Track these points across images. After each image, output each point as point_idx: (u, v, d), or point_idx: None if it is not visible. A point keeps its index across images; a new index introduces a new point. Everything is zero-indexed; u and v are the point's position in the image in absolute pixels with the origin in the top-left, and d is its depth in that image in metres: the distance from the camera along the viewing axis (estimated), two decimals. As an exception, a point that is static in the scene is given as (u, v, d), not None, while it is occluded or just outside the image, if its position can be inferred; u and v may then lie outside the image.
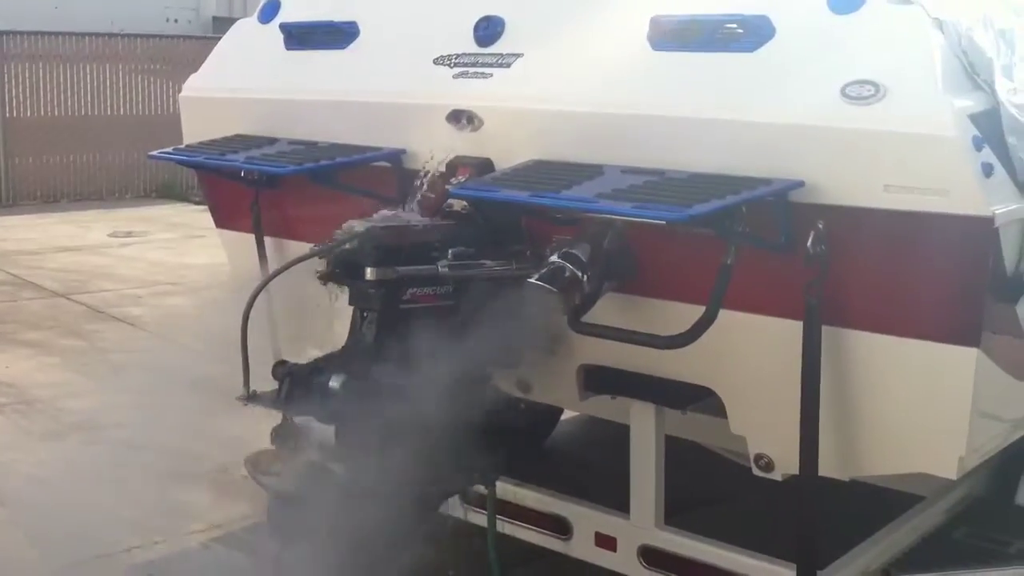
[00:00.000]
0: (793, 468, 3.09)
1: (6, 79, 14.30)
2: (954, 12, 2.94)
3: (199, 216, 10.98)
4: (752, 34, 3.03)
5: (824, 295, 2.88)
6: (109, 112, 15.09)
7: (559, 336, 3.35)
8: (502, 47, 3.48)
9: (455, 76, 3.52)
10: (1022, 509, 4.02)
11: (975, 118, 2.81)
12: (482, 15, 3.54)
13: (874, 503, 3.77)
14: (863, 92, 2.80)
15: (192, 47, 14.80)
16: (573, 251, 3.10)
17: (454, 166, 3.47)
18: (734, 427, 3.33)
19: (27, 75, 14.47)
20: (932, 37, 2.86)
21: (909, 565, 3.59)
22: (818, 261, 2.85)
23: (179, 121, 4.36)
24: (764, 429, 3.27)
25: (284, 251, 4.03)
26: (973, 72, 2.92)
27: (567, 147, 3.24)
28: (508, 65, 3.43)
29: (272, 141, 3.88)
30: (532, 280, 3.07)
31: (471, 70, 3.50)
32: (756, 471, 3.33)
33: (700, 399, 3.45)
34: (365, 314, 3.31)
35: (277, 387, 3.29)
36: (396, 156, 3.63)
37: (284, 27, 4.05)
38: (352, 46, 3.88)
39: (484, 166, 3.40)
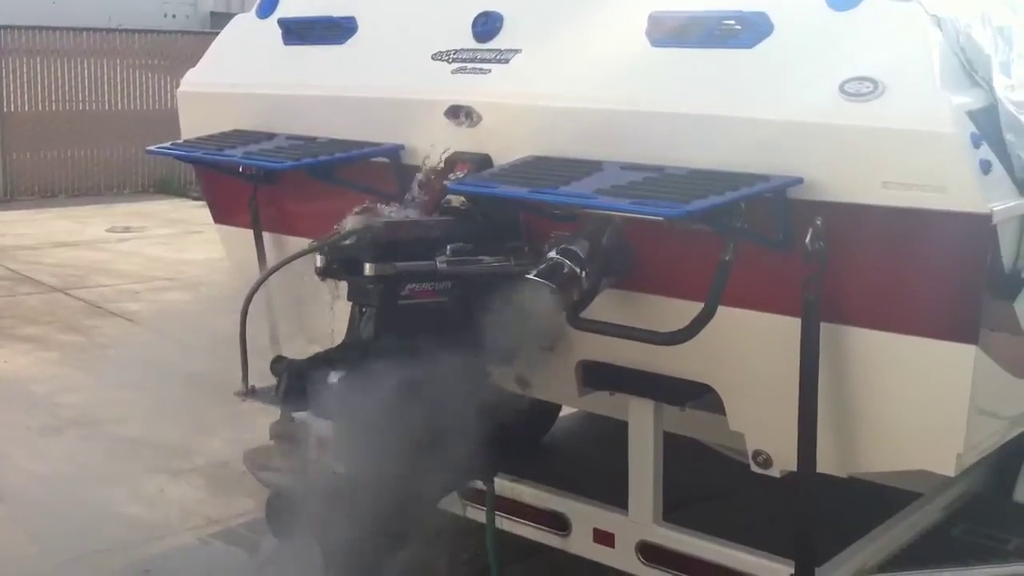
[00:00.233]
0: (791, 465, 3.09)
1: (3, 74, 14.29)
2: (952, 9, 2.93)
3: (197, 211, 10.96)
4: (751, 30, 3.03)
5: (822, 292, 2.88)
6: (107, 107, 15.08)
7: (558, 332, 3.35)
8: (501, 43, 3.48)
9: (453, 72, 3.52)
10: (1020, 506, 4.03)
11: (973, 115, 2.81)
12: (481, 11, 3.54)
13: (872, 500, 3.77)
14: (861, 89, 2.80)
15: (190, 42, 14.79)
16: (572, 247, 3.10)
17: (452, 162, 3.46)
18: (732, 424, 3.34)
19: (25, 70, 14.46)
20: (930, 34, 2.86)
21: (907, 562, 3.59)
22: (816, 258, 2.85)
23: (177, 116, 4.35)
24: (762, 426, 3.27)
25: (282, 247, 4.03)
26: (971, 69, 2.91)
27: (566, 143, 3.24)
28: (507, 61, 3.43)
29: (270, 136, 3.88)
30: (530, 276, 3.07)
31: (469, 66, 3.49)
32: (754, 468, 3.33)
33: (698, 395, 3.45)
34: (363, 310, 3.31)
35: (276, 383, 3.29)
36: (394, 152, 3.63)
37: (282, 22, 4.04)
38: (350, 41, 3.87)
39: (482, 162, 3.40)
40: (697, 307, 2.98)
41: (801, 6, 3.06)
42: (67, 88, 14.79)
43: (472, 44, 3.53)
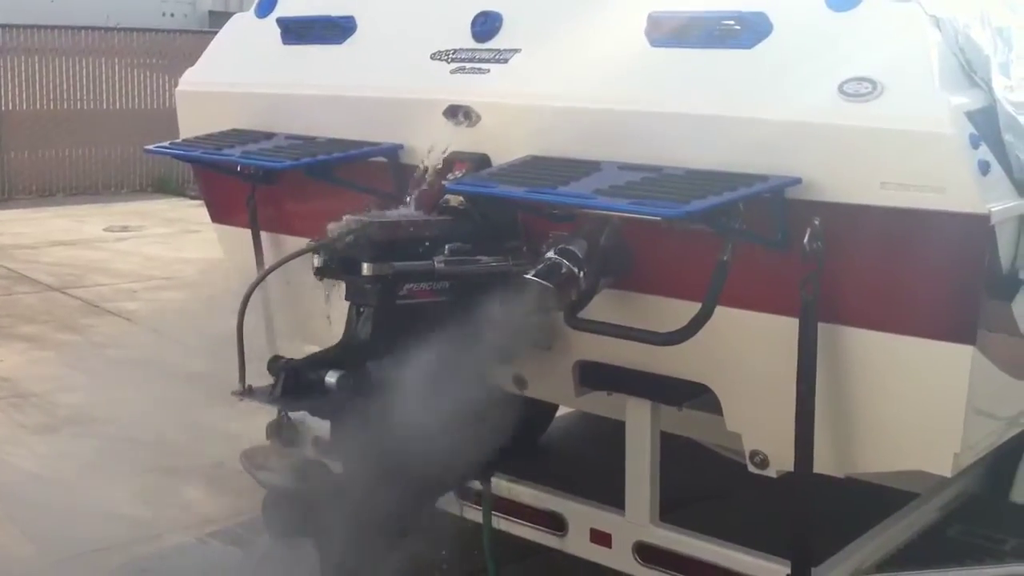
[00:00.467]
0: (788, 465, 3.09)
1: (2, 73, 14.30)
2: (951, 9, 2.93)
3: (195, 211, 10.95)
4: (750, 31, 3.03)
5: (820, 292, 2.88)
6: (105, 106, 15.07)
7: (555, 332, 3.35)
8: (499, 43, 3.48)
9: (452, 71, 3.52)
10: (1016, 506, 4.03)
11: (972, 116, 2.81)
12: (480, 10, 3.54)
13: (869, 500, 3.77)
14: (860, 89, 2.80)
15: (188, 41, 14.80)
16: (570, 247, 3.10)
17: (451, 162, 3.46)
18: (730, 424, 3.34)
19: (23, 69, 14.46)
20: (929, 34, 2.86)
21: (904, 562, 3.60)
22: (814, 258, 2.85)
23: (175, 115, 4.35)
24: (759, 426, 3.27)
25: (280, 246, 4.02)
26: (970, 70, 2.91)
27: (564, 143, 3.24)
28: (505, 61, 3.43)
29: (269, 136, 3.88)
30: (528, 276, 3.07)
31: (468, 65, 3.49)
32: (751, 468, 3.33)
33: (696, 396, 3.45)
34: (361, 309, 3.31)
35: (273, 382, 3.29)
36: (393, 151, 3.63)
37: (281, 21, 4.04)
38: (349, 41, 3.87)
39: (481, 162, 3.40)
40: (695, 307, 2.98)
41: (800, 6, 3.06)
42: (65, 87, 14.79)
43: (471, 44, 3.53)
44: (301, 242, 3.45)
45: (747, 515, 3.70)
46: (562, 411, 4.88)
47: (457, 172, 3.41)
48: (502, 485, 3.85)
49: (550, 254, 3.10)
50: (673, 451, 3.78)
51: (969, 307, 2.85)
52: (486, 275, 3.29)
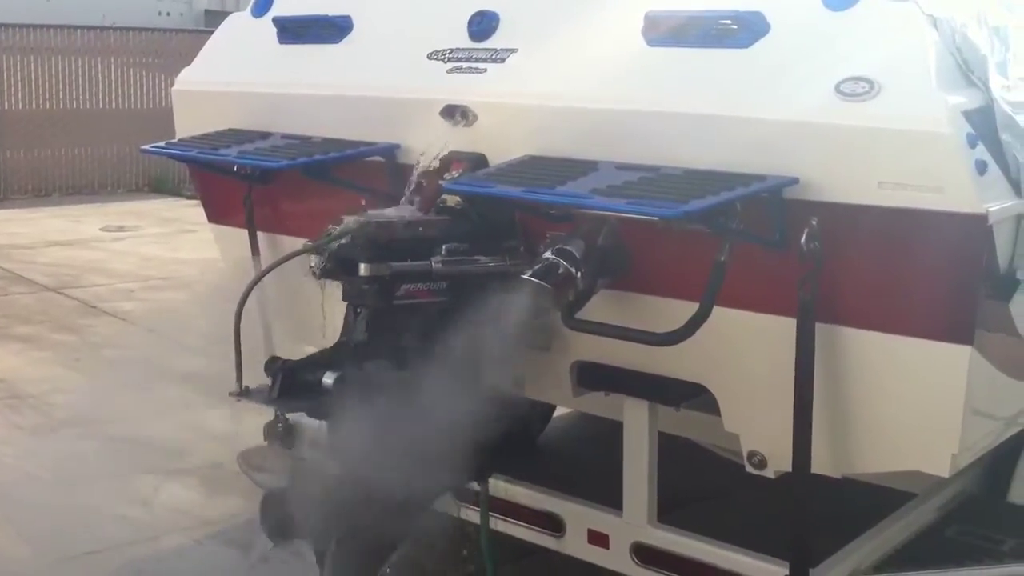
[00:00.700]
0: (786, 465, 3.09)
1: (-2, 72, 14.28)
2: (948, 9, 2.93)
3: (191, 210, 10.96)
4: (747, 30, 3.02)
5: (818, 292, 2.88)
6: (101, 106, 15.06)
7: (553, 332, 3.34)
8: (496, 42, 3.47)
9: (449, 71, 3.51)
10: (1014, 507, 4.03)
11: (969, 115, 2.81)
12: (476, 10, 3.53)
13: (867, 501, 3.77)
14: (857, 89, 2.80)
15: (184, 41, 14.79)
16: (567, 247, 3.09)
17: (448, 161, 3.45)
18: (727, 424, 3.33)
19: (19, 68, 14.45)
20: (926, 34, 2.86)
21: (902, 562, 3.59)
22: (812, 258, 2.85)
23: (171, 115, 4.34)
24: (757, 426, 3.27)
25: (277, 246, 4.02)
26: (967, 69, 2.91)
27: (561, 143, 3.23)
28: (502, 60, 3.42)
29: (265, 135, 3.87)
30: (526, 276, 3.06)
31: (465, 65, 3.49)
32: (749, 468, 3.33)
33: (694, 396, 3.44)
34: (358, 310, 3.30)
35: (270, 383, 3.28)
36: (390, 151, 3.62)
37: (277, 21, 4.03)
38: (346, 40, 3.86)
39: (478, 161, 3.39)
40: (693, 307, 2.98)
41: (797, 6, 3.05)
42: (61, 86, 14.77)
43: (468, 43, 3.52)
44: (298, 242, 3.45)
45: (745, 516, 3.70)
46: (560, 411, 4.88)
47: (454, 172, 3.40)
48: (499, 486, 3.84)
49: (547, 254, 3.09)
50: (671, 452, 3.78)
51: (967, 307, 2.85)
52: (483, 275, 3.28)
